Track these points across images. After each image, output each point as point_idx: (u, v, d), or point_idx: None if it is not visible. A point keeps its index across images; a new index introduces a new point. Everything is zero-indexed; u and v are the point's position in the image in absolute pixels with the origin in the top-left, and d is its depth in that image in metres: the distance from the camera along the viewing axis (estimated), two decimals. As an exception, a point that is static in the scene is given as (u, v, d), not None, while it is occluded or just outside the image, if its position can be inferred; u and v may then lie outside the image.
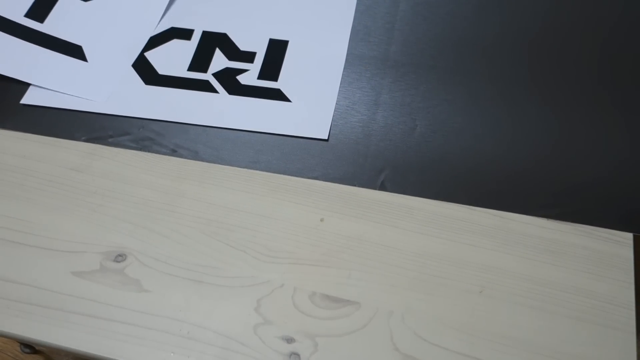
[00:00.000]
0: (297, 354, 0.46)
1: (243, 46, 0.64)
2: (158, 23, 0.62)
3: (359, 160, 0.55)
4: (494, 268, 0.49)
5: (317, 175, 0.55)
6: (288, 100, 0.59)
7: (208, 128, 0.58)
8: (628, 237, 0.50)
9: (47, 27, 0.60)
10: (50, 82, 0.58)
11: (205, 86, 0.60)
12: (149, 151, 0.57)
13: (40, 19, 0.60)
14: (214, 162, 0.56)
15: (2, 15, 0.59)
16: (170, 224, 0.52)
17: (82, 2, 0.62)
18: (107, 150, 0.57)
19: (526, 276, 0.49)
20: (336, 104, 0.59)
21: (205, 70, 0.62)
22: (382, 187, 0.54)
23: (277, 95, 0.60)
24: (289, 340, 0.47)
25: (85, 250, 0.51)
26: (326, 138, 0.57)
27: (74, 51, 0.59)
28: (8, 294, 0.49)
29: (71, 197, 0.54)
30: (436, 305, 0.48)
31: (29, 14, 0.60)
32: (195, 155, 0.56)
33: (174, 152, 0.56)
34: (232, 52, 0.63)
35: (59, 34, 0.59)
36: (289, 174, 0.55)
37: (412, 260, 0.50)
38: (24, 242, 0.52)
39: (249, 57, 0.63)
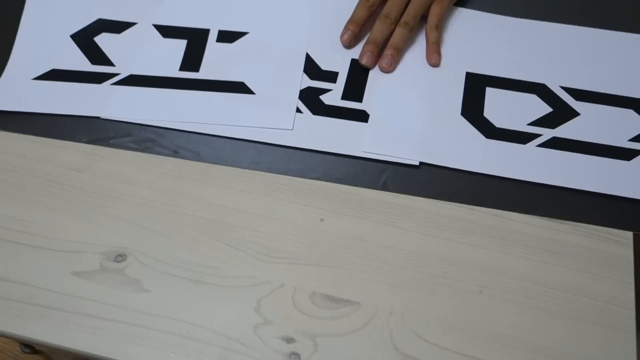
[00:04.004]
0: (297, 354, 0.46)
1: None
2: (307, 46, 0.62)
3: (360, 160, 0.55)
4: (494, 268, 0.49)
5: (319, 175, 0.55)
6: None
7: (209, 129, 0.58)
8: (628, 236, 0.50)
9: (203, 74, 0.61)
10: (227, 119, 0.58)
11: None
12: (150, 152, 0.57)
13: (195, 69, 0.61)
14: (216, 163, 0.56)
15: (160, 75, 0.61)
16: (170, 224, 0.52)
17: (228, 44, 0.63)
18: (108, 150, 0.57)
19: (526, 276, 0.49)
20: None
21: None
22: (384, 188, 0.54)
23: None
24: (289, 340, 0.47)
25: (85, 250, 0.51)
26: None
27: (239, 87, 0.60)
28: (8, 294, 0.49)
29: (71, 197, 0.54)
30: (436, 305, 0.48)
31: (183, 67, 0.61)
32: (197, 156, 0.56)
33: (175, 154, 0.56)
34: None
35: (217, 77, 0.60)
36: (290, 175, 0.55)
37: (412, 260, 0.50)
38: (24, 242, 0.52)
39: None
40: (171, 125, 0.58)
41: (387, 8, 0.61)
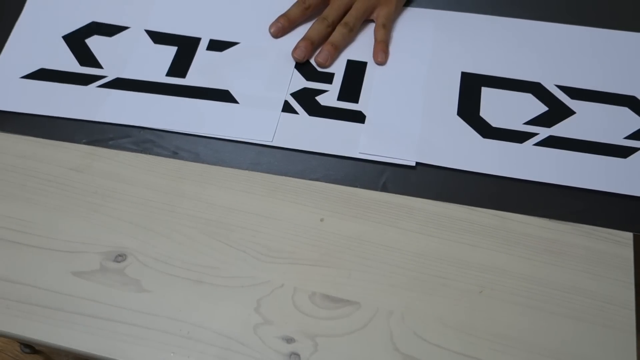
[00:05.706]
0: (297, 354, 0.46)
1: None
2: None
3: (360, 161, 0.55)
4: (494, 268, 0.49)
5: (318, 176, 0.55)
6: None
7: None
8: (628, 236, 0.50)
9: (189, 80, 0.61)
10: (209, 127, 0.57)
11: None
12: (149, 153, 0.57)
13: (182, 75, 0.61)
14: (215, 164, 0.56)
15: (146, 79, 0.61)
16: (170, 224, 0.52)
17: (218, 52, 0.62)
18: (107, 151, 0.57)
19: (526, 276, 0.49)
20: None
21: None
22: (384, 189, 0.54)
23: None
24: (289, 340, 0.47)
25: (85, 250, 0.51)
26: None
27: (223, 96, 0.59)
28: (8, 294, 0.49)
29: (71, 197, 0.54)
30: (436, 305, 0.48)
31: (170, 73, 0.61)
32: (196, 158, 0.56)
33: (175, 155, 0.56)
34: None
35: (203, 84, 0.60)
36: (290, 176, 0.55)
37: (412, 260, 0.50)
38: (24, 242, 0.52)
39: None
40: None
41: (326, 11, 0.63)
